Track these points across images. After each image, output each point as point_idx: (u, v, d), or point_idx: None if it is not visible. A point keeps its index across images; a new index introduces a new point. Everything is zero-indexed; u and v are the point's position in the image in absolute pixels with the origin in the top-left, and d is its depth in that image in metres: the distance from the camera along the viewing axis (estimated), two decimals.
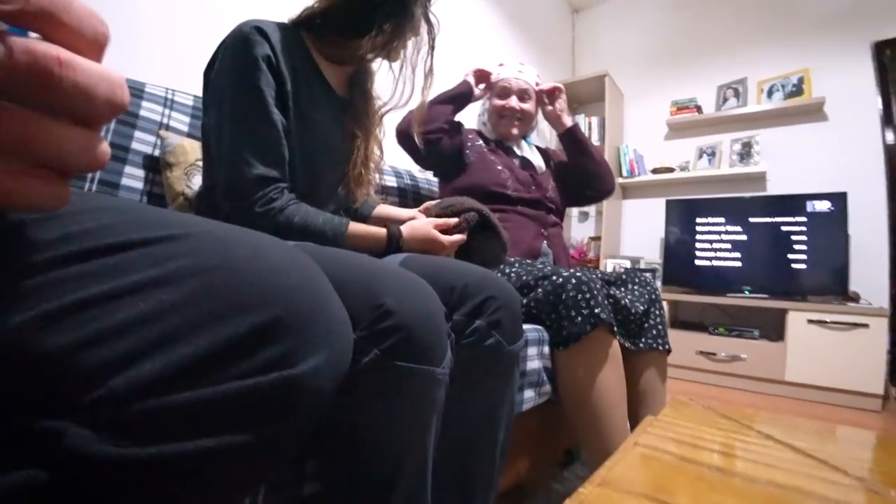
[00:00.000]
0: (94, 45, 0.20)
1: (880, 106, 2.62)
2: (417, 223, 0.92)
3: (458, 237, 0.93)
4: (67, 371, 0.22)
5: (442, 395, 0.57)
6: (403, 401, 0.51)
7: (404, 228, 0.90)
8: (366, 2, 0.80)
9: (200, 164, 1.00)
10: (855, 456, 0.51)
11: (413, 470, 0.52)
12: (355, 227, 0.84)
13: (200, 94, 1.15)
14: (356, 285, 0.52)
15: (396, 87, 0.88)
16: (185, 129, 1.08)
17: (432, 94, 0.95)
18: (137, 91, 1.03)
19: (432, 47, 0.89)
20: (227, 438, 0.26)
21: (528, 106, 1.47)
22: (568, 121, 1.50)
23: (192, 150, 1.00)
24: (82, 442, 0.21)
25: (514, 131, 1.48)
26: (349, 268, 0.56)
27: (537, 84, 1.49)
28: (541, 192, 1.42)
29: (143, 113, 1.02)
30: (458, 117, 1.46)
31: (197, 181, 0.99)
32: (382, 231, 0.87)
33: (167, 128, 1.05)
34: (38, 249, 0.25)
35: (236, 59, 0.76)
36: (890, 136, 2.59)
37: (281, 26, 0.82)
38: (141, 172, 1.00)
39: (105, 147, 0.22)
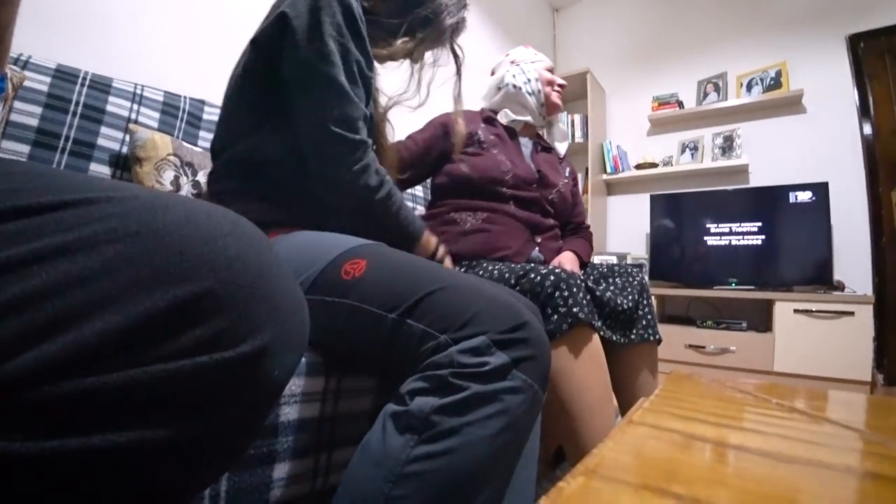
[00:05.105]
0: None
1: (857, 98, 2.65)
2: None
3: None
4: None
5: None
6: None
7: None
8: (404, 6, 0.82)
9: (172, 158, 0.96)
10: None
11: None
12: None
13: (171, 90, 1.12)
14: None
15: (410, 85, 0.91)
16: (155, 124, 1.04)
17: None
18: (104, 86, 0.98)
19: (459, 75, 0.95)
20: (143, 434, 0.22)
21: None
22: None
23: (164, 144, 0.96)
24: None
25: (560, 103, 1.41)
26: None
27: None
28: (542, 192, 1.29)
29: (109, 108, 0.97)
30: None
31: (168, 176, 0.94)
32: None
33: (136, 123, 1.01)
34: None
35: (346, 8, 0.71)
36: (867, 128, 2.62)
37: None
38: (107, 170, 0.95)
39: None
